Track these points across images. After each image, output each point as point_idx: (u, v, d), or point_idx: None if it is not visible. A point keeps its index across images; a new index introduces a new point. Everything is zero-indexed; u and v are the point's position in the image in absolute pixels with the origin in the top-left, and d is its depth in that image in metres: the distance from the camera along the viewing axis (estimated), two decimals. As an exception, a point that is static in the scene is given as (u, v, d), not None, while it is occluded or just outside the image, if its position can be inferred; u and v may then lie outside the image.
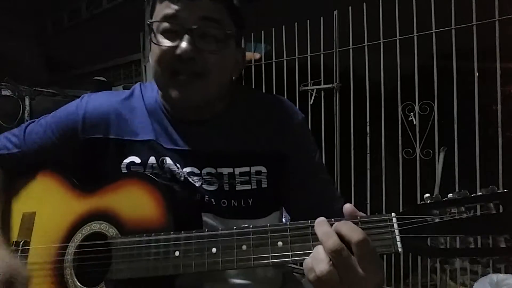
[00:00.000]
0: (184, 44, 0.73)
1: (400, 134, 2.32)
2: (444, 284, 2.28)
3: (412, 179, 2.27)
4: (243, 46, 0.87)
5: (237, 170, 0.83)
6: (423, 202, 0.57)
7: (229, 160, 0.83)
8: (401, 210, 0.59)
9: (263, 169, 0.84)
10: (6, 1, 4.21)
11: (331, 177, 0.93)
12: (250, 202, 0.83)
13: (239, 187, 0.83)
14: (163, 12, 0.75)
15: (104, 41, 4.28)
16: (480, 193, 0.54)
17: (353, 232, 0.55)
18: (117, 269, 0.70)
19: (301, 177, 0.85)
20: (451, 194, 0.56)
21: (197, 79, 0.76)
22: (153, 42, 0.77)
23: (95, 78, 3.78)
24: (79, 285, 0.75)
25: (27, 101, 2.97)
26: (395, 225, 0.57)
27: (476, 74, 2.07)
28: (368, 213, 0.60)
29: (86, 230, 0.77)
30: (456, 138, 2.12)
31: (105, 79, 3.82)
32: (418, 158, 2.26)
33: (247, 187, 0.83)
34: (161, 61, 0.76)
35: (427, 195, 0.58)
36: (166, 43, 0.75)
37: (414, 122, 2.27)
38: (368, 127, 2.46)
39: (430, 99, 2.23)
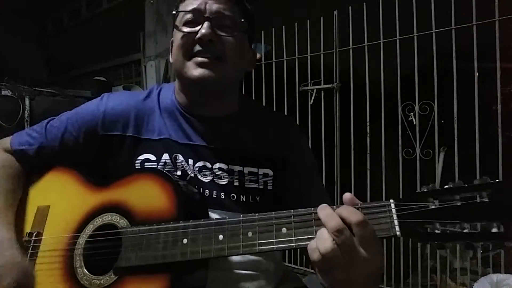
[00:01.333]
0: (204, 29, 0.82)
1: (400, 134, 2.32)
2: (444, 284, 2.28)
3: (412, 179, 2.27)
4: (253, 48, 0.97)
5: (246, 169, 0.88)
6: (420, 190, 0.61)
7: (239, 159, 0.89)
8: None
9: (270, 172, 0.90)
10: (6, 1, 4.21)
11: (331, 178, 0.99)
12: (258, 199, 0.88)
13: (247, 184, 0.88)
14: (186, 6, 0.86)
15: (104, 41, 4.28)
16: (473, 183, 0.58)
17: (353, 214, 0.59)
18: (126, 257, 0.72)
19: (300, 183, 0.91)
20: (446, 185, 0.60)
21: (215, 61, 0.83)
22: (177, 30, 0.86)
23: (95, 78, 3.78)
24: (88, 273, 0.76)
25: (27, 101, 2.97)
26: (393, 210, 0.61)
27: (476, 74, 2.06)
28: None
29: (97, 221, 0.80)
30: (456, 138, 2.12)
31: (105, 79, 3.82)
32: (418, 158, 2.26)
33: (255, 185, 0.88)
34: (182, 46, 0.85)
35: (424, 185, 0.62)
36: (188, 29, 0.85)
37: (414, 122, 2.27)
38: (368, 127, 2.46)
39: (430, 99, 2.23)
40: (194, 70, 0.83)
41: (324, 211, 0.61)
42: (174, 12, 0.88)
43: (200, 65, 0.83)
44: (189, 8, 0.85)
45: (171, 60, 0.92)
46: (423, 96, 2.26)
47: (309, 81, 2.70)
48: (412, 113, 2.28)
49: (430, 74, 2.22)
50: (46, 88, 3.19)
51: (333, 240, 0.58)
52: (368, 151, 2.46)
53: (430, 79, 2.22)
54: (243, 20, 0.86)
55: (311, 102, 2.69)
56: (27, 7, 4.67)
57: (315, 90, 2.68)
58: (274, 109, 2.59)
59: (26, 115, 2.95)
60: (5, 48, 4.06)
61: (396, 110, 2.33)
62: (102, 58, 4.53)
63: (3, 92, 2.90)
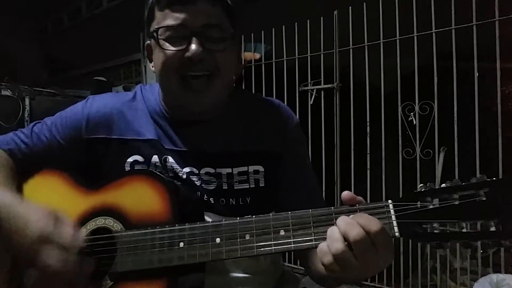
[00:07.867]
0: (193, 46, 0.76)
1: (400, 134, 2.32)
2: (444, 284, 2.28)
3: (412, 179, 2.27)
4: (242, 45, 0.92)
5: (236, 170, 0.86)
6: (418, 190, 0.61)
7: (227, 161, 0.86)
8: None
9: (261, 168, 0.86)
10: (6, 1, 4.22)
11: (331, 178, 0.96)
12: (248, 200, 0.85)
13: (237, 186, 0.85)
14: (167, 20, 0.78)
15: (104, 41, 4.28)
16: (470, 181, 0.58)
17: (371, 222, 0.59)
18: (121, 262, 0.71)
19: (292, 178, 0.89)
20: (444, 184, 0.60)
21: (210, 80, 0.80)
22: (162, 48, 0.79)
23: (95, 78, 3.78)
24: None
25: (27, 101, 2.98)
26: (392, 211, 0.61)
27: (476, 74, 2.07)
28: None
29: (91, 225, 0.78)
30: (456, 138, 2.13)
31: (105, 79, 3.83)
32: (418, 158, 2.27)
33: (245, 186, 0.86)
34: (170, 66, 0.79)
35: (421, 184, 0.62)
36: (174, 48, 0.78)
37: (414, 122, 2.28)
38: (368, 127, 2.46)
39: (430, 99, 2.23)
40: (188, 96, 0.80)
41: (343, 220, 0.61)
42: (154, 29, 0.79)
43: (194, 88, 0.79)
44: (172, 23, 0.77)
45: (152, 68, 0.86)
46: (423, 96, 2.26)
47: (309, 81, 2.70)
48: (412, 113, 2.29)
49: (430, 74, 2.22)
50: (46, 88, 3.20)
51: (344, 240, 0.58)
52: (368, 151, 2.46)
53: (430, 79, 2.22)
54: (232, 28, 0.80)
55: (311, 102, 2.69)
56: (27, 7, 4.67)
57: (315, 90, 2.68)
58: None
59: (26, 115, 2.95)
60: (5, 48, 4.06)
61: (396, 110, 2.33)
62: (102, 58, 4.53)
63: (3, 92, 2.91)
